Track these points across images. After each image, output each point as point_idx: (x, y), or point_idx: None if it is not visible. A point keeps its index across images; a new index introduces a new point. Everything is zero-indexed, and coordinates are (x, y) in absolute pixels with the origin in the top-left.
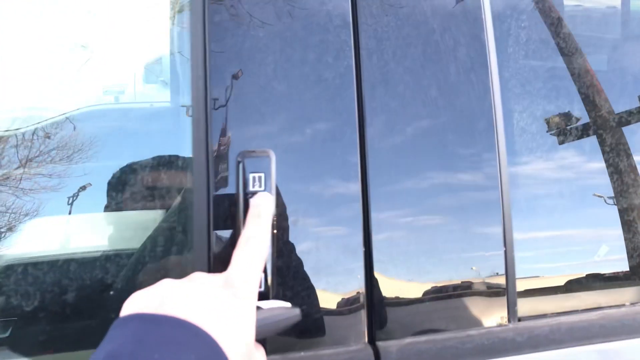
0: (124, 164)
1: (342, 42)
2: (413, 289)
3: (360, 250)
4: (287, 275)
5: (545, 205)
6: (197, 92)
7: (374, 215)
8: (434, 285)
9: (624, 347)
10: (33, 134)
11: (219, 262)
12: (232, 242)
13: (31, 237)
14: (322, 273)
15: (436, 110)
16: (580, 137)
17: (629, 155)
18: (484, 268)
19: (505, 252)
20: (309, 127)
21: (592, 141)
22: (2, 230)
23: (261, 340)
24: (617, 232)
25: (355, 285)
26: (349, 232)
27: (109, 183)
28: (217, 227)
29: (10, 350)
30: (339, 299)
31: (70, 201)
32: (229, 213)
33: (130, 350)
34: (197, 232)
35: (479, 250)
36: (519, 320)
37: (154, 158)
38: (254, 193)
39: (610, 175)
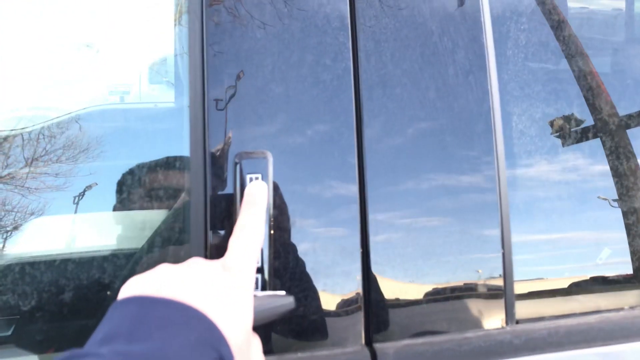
0: (127, 163)
1: (340, 44)
2: (411, 291)
3: (358, 251)
4: (284, 275)
5: (544, 208)
6: (195, 93)
7: (371, 217)
8: (431, 287)
9: (622, 350)
10: (39, 134)
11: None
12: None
13: (37, 236)
14: (320, 274)
15: (434, 112)
16: (583, 140)
17: (633, 158)
18: (482, 270)
19: (503, 254)
20: (306, 129)
21: (594, 144)
22: (8, 229)
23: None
24: (619, 235)
25: (353, 287)
26: (347, 233)
27: (112, 182)
28: (214, 227)
29: (13, 348)
30: (337, 300)
31: (76, 200)
32: (226, 213)
33: (129, 330)
34: (193, 232)
35: (476, 253)
36: (517, 322)
37: (156, 158)
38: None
39: (614, 177)
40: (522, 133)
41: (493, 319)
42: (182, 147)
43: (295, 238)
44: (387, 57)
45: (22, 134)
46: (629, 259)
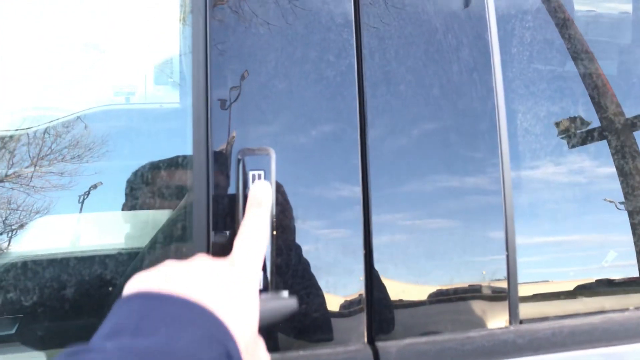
0: (132, 163)
1: (344, 41)
2: (414, 291)
3: (361, 251)
4: (286, 273)
5: (550, 209)
6: (198, 91)
7: (374, 218)
8: (435, 288)
9: (627, 351)
10: (44, 133)
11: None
12: (232, 239)
13: (42, 235)
14: (323, 272)
15: (438, 110)
16: (589, 141)
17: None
18: (485, 269)
19: (507, 253)
20: (310, 126)
21: (600, 145)
22: (13, 227)
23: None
24: (625, 237)
25: (356, 286)
26: (350, 233)
27: (117, 181)
28: (216, 225)
29: (18, 346)
30: (340, 299)
31: (81, 199)
32: (229, 212)
33: (136, 324)
34: (196, 231)
35: (480, 251)
36: (521, 322)
37: (160, 158)
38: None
39: (620, 178)
40: (527, 132)
41: (497, 319)
42: (186, 146)
43: (298, 237)
44: (391, 54)
45: (27, 134)
46: (634, 261)
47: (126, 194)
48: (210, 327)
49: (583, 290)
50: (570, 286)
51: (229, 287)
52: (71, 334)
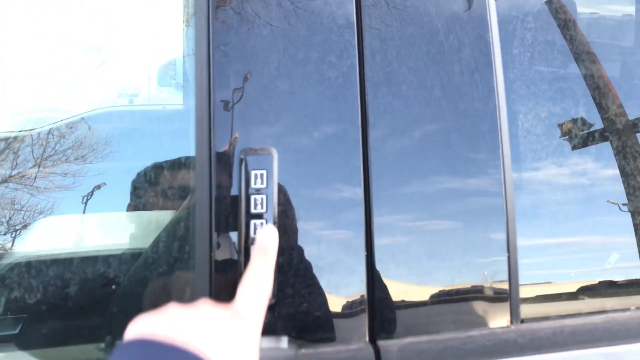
0: (135, 164)
1: (346, 42)
2: (415, 292)
3: (362, 251)
4: (288, 272)
5: (551, 211)
6: (200, 92)
7: (376, 218)
8: (436, 288)
9: (628, 350)
10: (48, 134)
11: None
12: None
13: (46, 235)
14: (324, 272)
15: (440, 110)
16: (592, 142)
17: None
18: (487, 270)
19: (509, 251)
20: (311, 127)
21: (602, 146)
22: (17, 227)
23: None
24: (628, 239)
25: (357, 285)
26: (352, 234)
27: (121, 183)
28: (218, 225)
29: (19, 346)
30: (342, 298)
31: (84, 200)
32: (231, 211)
33: None
34: (198, 232)
35: (481, 252)
36: (522, 322)
37: (163, 159)
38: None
39: (622, 178)
40: (529, 133)
41: (498, 319)
42: (189, 147)
43: (300, 237)
44: (393, 55)
45: (31, 135)
46: (638, 263)
47: (130, 195)
48: None
49: (585, 292)
50: (572, 288)
51: (230, 338)
52: (74, 334)
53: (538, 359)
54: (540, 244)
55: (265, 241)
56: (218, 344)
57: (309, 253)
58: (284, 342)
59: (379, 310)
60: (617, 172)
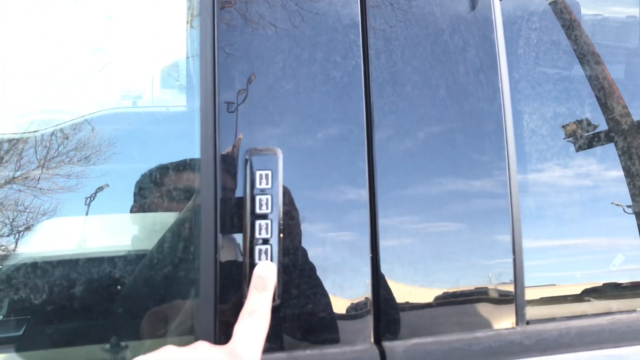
0: (139, 166)
1: (351, 42)
2: (420, 293)
3: (367, 253)
4: (293, 273)
5: (557, 212)
6: (205, 94)
7: (381, 220)
8: (441, 290)
9: (635, 352)
10: (51, 136)
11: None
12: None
13: (49, 237)
14: (329, 274)
15: (445, 110)
16: (597, 143)
17: None
18: (492, 271)
19: (514, 252)
20: (316, 128)
21: (607, 147)
22: (20, 229)
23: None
24: (633, 241)
25: (362, 286)
26: (357, 235)
27: (124, 185)
28: (223, 226)
29: (24, 348)
30: (347, 300)
31: (87, 202)
32: (236, 212)
33: None
34: (204, 231)
35: (487, 254)
36: (527, 323)
37: (167, 161)
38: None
39: (627, 179)
40: (534, 133)
41: (503, 321)
42: (194, 149)
43: (305, 239)
44: (398, 55)
45: (35, 136)
46: None
47: (134, 196)
48: None
49: (591, 294)
50: (577, 290)
51: None
52: (78, 336)
53: None
54: (546, 245)
55: (263, 276)
56: None
57: (314, 254)
58: None
59: (384, 311)
60: (622, 173)
